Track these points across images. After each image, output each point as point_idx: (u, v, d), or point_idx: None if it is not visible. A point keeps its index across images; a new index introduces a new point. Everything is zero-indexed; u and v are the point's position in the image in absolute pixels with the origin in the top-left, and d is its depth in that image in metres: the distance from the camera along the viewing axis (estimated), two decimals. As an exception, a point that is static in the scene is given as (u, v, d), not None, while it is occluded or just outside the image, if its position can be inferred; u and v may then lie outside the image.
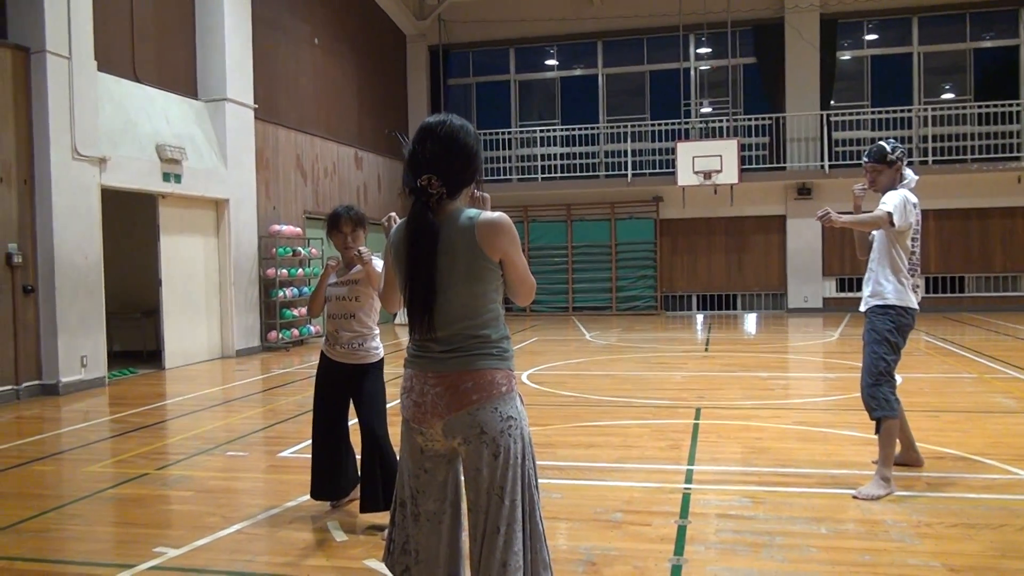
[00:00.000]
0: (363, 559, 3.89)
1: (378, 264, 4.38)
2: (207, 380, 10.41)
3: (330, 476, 4.58)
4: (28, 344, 9.14)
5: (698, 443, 6.09)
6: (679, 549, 3.91)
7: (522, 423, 2.44)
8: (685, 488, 4.93)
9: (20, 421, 7.93)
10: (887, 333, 4.82)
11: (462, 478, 2.49)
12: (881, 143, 4.95)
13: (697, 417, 7.04)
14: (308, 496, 4.69)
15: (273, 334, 13.28)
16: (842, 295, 18.19)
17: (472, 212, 2.42)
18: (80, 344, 9.56)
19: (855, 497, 4.60)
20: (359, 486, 4.46)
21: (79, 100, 9.54)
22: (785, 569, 3.64)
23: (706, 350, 12.35)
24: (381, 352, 4.55)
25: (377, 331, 4.60)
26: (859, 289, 18.36)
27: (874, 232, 4.93)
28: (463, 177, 2.47)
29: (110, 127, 10.27)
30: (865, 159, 4.97)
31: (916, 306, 4.90)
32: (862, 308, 5.01)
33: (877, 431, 4.81)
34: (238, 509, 4.78)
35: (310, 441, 4.68)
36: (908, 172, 4.94)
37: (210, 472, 5.71)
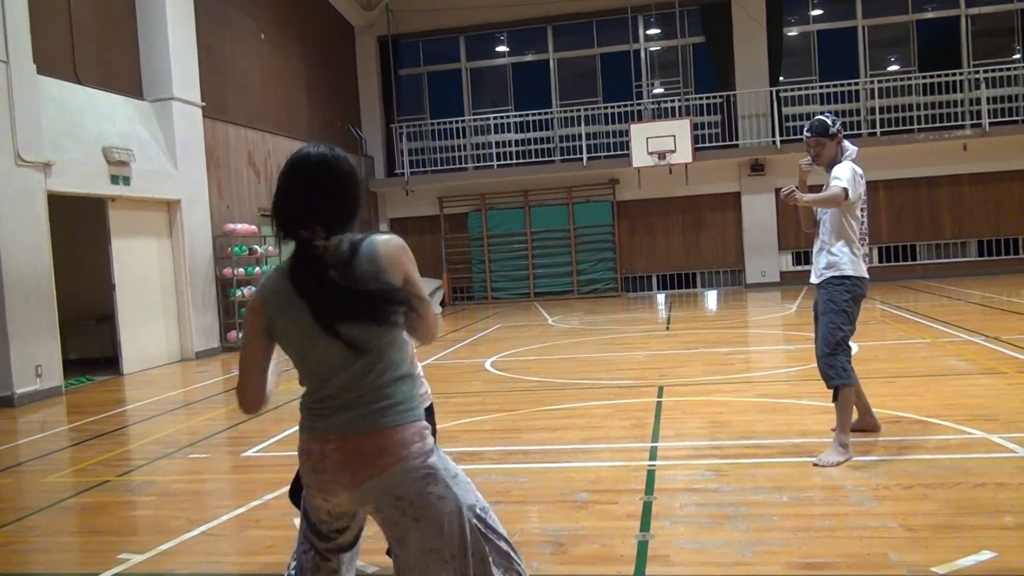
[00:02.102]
0: (331, 553, 3.88)
1: None
2: (167, 384, 10.27)
3: None
4: (-21, 356, 8.93)
5: (661, 420, 6.15)
6: (645, 525, 3.96)
7: (444, 467, 2.13)
8: (650, 465, 4.99)
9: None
10: (844, 304, 4.86)
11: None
12: (821, 117, 4.93)
13: (660, 395, 7.11)
14: (274, 495, 4.66)
15: (233, 334, 13.12)
16: (798, 268, 18.45)
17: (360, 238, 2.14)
18: (34, 354, 9.36)
19: (815, 464, 4.69)
20: None
21: (20, 104, 9.30)
22: (749, 538, 3.69)
23: (667, 329, 12.47)
24: None
25: None
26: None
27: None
28: (347, 216, 2.18)
29: (53, 131, 10.04)
30: (807, 134, 4.93)
31: (867, 275, 4.97)
32: (815, 280, 5.01)
33: (835, 399, 4.90)
34: (203, 511, 4.73)
35: (278, 439, 4.64)
36: (847, 144, 4.95)
37: (173, 476, 5.64)
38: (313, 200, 2.12)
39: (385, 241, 2.14)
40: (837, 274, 4.86)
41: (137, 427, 7.59)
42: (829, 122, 4.86)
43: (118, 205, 11.17)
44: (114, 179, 10.87)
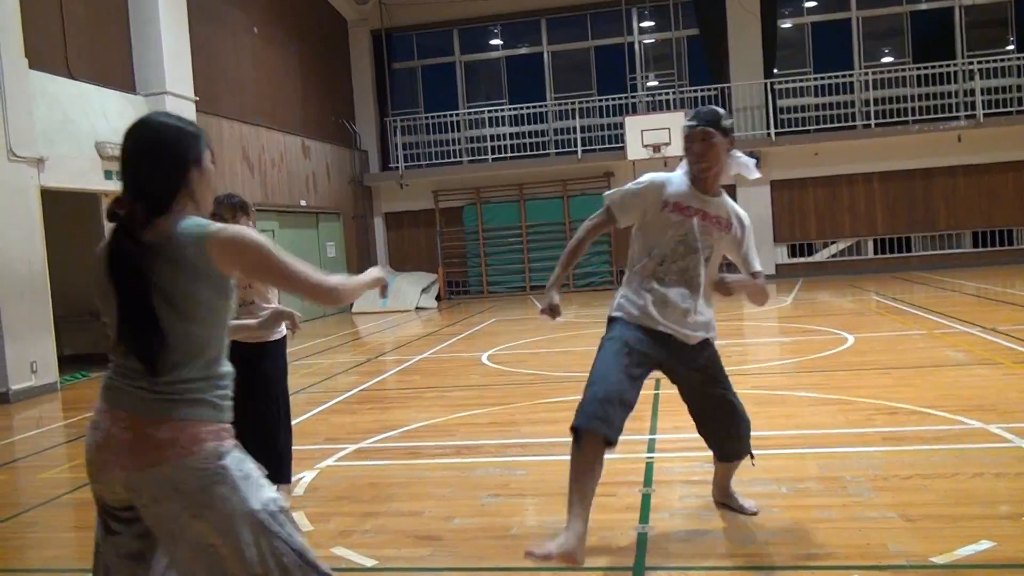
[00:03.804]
0: (330, 547, 3.87)
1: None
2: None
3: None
4: (-26, 353, 8.89)
5: (659, 413, 6.15)
6: (644, 517, 3.96)
7: (237, 469, 2.03)
8: (648, 457, 4.99)
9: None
10: None
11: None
12: (712, 106, 3.70)
13: (657, 388, 7.10)
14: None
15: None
16: (794, 260, 18.48)
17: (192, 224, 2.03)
18: (29, 350, 9.33)
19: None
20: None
21: (11, 99, 9.24)
22: (749, 530, 3.69)
23: (663, 322, 12.46)
24: (283, 331, 4.58)
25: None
26: (810, 254, 18.81)
27: (714, 261, 3.60)
28: (167, 185, 2.06)
29: (46, 126, 9.98)
30: (693, 123, 3.46)
31: None
32: (705, 335, 3.57)
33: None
34: (201, 506, 4.71)
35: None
36: (740, 156, 3.61)
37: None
38: (135, 165, 2.09)
39: (215, 231, 2.02)
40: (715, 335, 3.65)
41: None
42: (722, 112, 3.52)
43: (112, 200, 11.10)
44: (108, 174, 10.82)
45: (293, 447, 4.70)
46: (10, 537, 4.43)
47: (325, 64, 18.47)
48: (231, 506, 1.98)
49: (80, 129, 10.56)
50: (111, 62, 11.74)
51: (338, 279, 2.22)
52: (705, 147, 3.40)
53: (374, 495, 4.63)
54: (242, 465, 2.06)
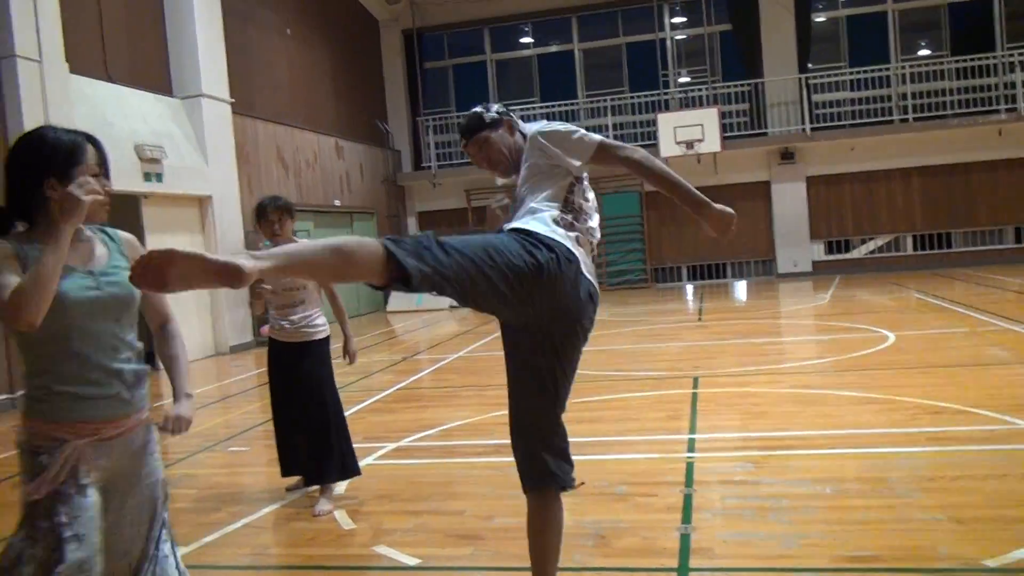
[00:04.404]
0: (372, 545, 3.89)
1: None
2: (202, 378, 10.36)
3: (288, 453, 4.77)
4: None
5: (698, 412, 6.11)
6: (687, 517, 3.93)
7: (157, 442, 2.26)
8: (688, 457, 4.95)
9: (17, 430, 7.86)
10: None
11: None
12: (475, 110, 3.25)
13: (695, 386, 7.06)
14: (313, 487, 4.68)
15: (265, 328, 13.18)
16: (831, 257, 18.25)
17: None
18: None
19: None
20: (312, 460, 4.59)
21: (52, 103, 9.41)
22: (793, 531, 3.65)
23: (699, 320, 12.38)
24: (326, 330, 4.73)
25: (319, 310, 4.77)
26: (847, 251, 18.57)
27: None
28: (11, 199, 2.17)
29: (86, 129, 10.10)
30: (462, 141, 3.22)
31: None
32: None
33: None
34: (244, 504, 4.76)
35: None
36: (525, 126, 3.20)
37: (213, 469, 5.70)
38: None
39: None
40: None
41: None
42: (482, 109, 3.20)
43: (151, 202, 11.27)
44: (147, 176, 10.97)
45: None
46: None
47: (357, 64, 18.57)
48: (154, 476, 2.34)
49: (119, 132, 10.72)
50: (148, 65, 11.90)
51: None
52: (482, 155, 3.13)
53: (414, 494, 4.65)
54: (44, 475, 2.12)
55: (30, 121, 9.11)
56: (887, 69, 18.05)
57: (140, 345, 2.28)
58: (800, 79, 18.00)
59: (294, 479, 4.84)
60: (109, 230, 2.41)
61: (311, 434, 4.53)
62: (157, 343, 2.45)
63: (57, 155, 2.18)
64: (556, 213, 2.76)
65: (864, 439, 5.01)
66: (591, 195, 2.97)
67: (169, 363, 2.43)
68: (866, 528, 3.62)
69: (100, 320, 2.16)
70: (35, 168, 2.14)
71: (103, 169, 2.31)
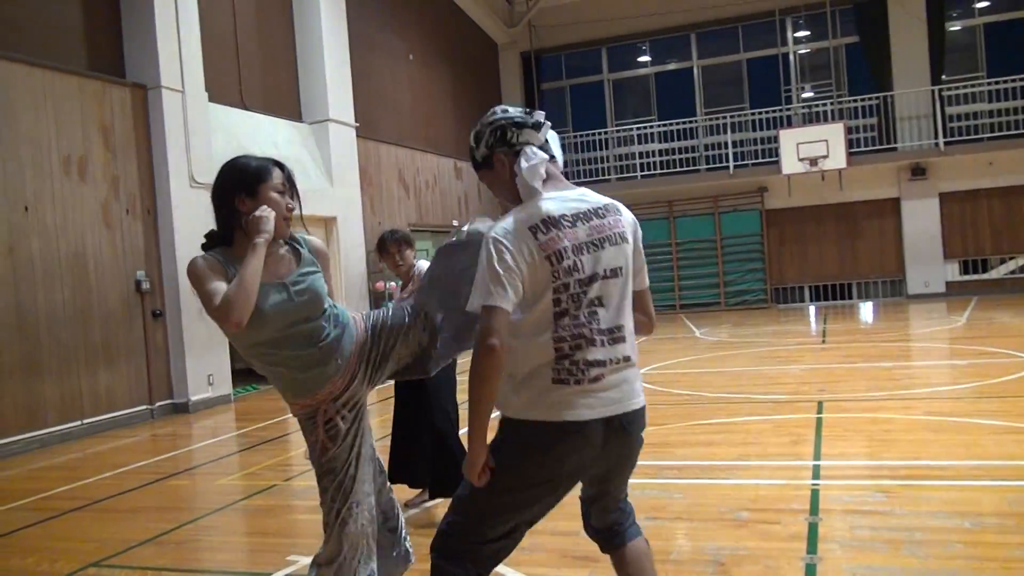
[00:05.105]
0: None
1: None
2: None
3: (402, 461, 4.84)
4: (159, 365, 9.62)
5: (823, 437, 5.88)
6: (812, 547, 3.78)
7: None
8: (813, 484, 4.77)
9: (155, 439, 8.34)
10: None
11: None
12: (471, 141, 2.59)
13: (819, 411, 6.80)
14: (437, 501, 4.75)
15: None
16: (966, 278, 17.26)
17: None
18: (206, 363, 10.00)
19: None
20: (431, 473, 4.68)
21: (193, 131, 10.01)
22: (929, 566, 3.46)
23: (823, 342, 11.94)
24: None
25: None
26: (985, 270, 17.54)
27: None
28: (218, 219, 2.59)
29: (223, 155, 10.67)
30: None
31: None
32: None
33: None
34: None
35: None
36: (531, 153, 2.55)
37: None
38: None
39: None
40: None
41: (298, 435, 7.91)
42: (472, 142, 2.57)
43: (280, 223, 11.77)
44: (276, 198, 11.46)
45: None
46: (191, 539, 4.74)
47: (476, 87, 18.92)
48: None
49: (252, 156, 11.26)
50: (280, 93, 12.49)
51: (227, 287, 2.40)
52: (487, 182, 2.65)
53: (529, 513, 4.64)
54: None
55: (173, 146, 9.72)
56: (1030, 78, 17.01)
57: (336, 311, 2.62)
58: (933, 91, 17.19)
59: (414, 492, 4.93)
60: (299, 236, 2.68)
61: (434, 444, 4.60)
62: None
63: (246, 175, 2.52)
64: None
65: (1006, 471, 4.70)
66: None
67: None
68: (1008, 567, 3.39)
69: (296, 322, 2.51)
70: (229, 187, 2.53)
71: (288, 188, 2.57)
